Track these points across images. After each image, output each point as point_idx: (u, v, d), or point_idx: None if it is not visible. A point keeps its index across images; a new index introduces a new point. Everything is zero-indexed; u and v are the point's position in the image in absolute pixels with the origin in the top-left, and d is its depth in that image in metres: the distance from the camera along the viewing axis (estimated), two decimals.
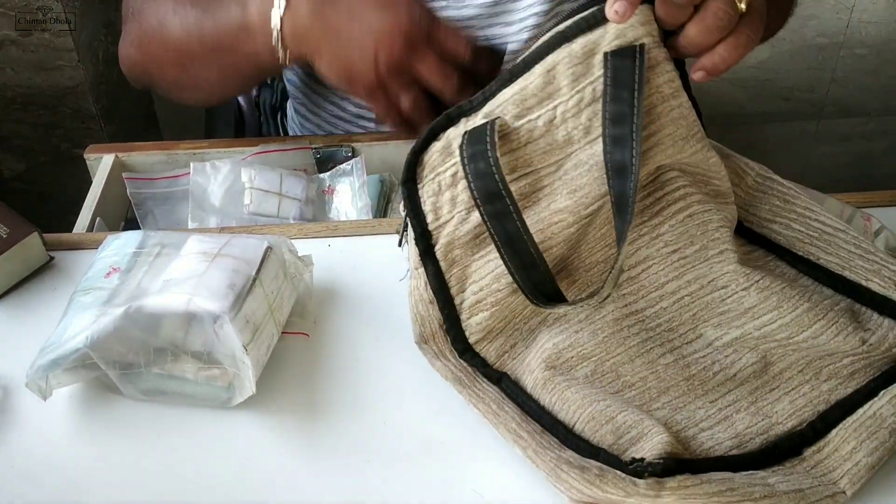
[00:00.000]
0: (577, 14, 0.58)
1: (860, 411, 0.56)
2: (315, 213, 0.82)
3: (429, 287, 0.60)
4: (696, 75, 0.60)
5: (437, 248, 0.60)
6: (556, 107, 0.59)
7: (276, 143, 0.85)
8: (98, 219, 0.80)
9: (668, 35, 0.59)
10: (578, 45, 0.58)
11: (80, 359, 0.57)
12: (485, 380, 0.59)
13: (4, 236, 0.68)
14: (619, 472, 0.51)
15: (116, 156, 0.86)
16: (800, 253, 0.62)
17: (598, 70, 0.58)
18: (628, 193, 0.55)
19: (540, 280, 0.57)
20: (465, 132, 0.59)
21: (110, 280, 0.61)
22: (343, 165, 0.83)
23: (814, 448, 0.55)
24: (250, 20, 0.76)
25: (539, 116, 0.59)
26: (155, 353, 0.58)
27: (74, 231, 0.78)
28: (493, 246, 0.58)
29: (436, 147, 0.61)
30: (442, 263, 0.60)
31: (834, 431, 0.55)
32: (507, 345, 0.60)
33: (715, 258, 0.60)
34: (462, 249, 0.60)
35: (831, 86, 1.62)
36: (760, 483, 0.52)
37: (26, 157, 1.30)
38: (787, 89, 1.63)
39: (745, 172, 0.65)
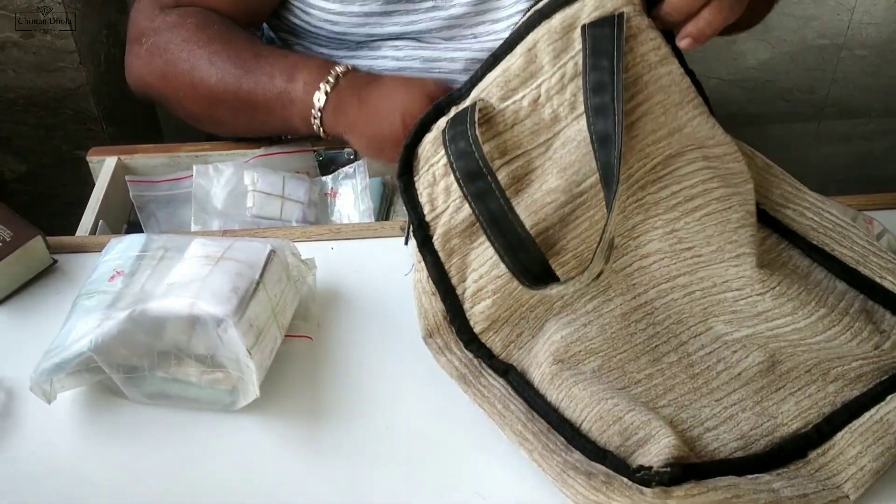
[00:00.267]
0: None
1: (866, 415, 0.56)
2: (318, 216, 0.82)
3: (430, 279, 0.60)
4: (682, 42, 0.59)
5: (434, 238, 0.60)
6: (539, 85, 0.59)
7: (278, 146, 0.85)
8: (101, 221, 0.80)
9: (653, 6, 0.58)
10: (557, 20, 0.57)
11: (85, 362, 0.58)
12: (491, 373, 0.59)
13: (8, 240, 0.68)
14: (625, 480, 0.51)
15: (119, 158, 0.86)
16: (814, 242, 0.62)
17: (578, 44, 0.57)
18: (612, 163, 0.55)
19: (529, 261, 0.57)
20: (449, 118, 0.59)
21: (114, 283, 0.61)
22: (345, 168, 0.83)
23: (818, 451, 0.55)
24: (295, 95, 0.77)
25: (524, 97, 0.59)
26: (159, 357, 0.58)
27: (77, 234, 0.78)
28: None
29: (428, 138, 0.61)
30: (441, 253, 0.60)
31: (839, 435, 0.55)
32: (513, 334, 0.60)
33: (732, 261, 0.60)
34: (460, 238, 0.60)
35: (832, 87, 1.62)
36: (766, 489, 0.52)
37: (27, 158, 1.30)
38: (787, 90, 1.62)
39: (753, 154, 0.64)
